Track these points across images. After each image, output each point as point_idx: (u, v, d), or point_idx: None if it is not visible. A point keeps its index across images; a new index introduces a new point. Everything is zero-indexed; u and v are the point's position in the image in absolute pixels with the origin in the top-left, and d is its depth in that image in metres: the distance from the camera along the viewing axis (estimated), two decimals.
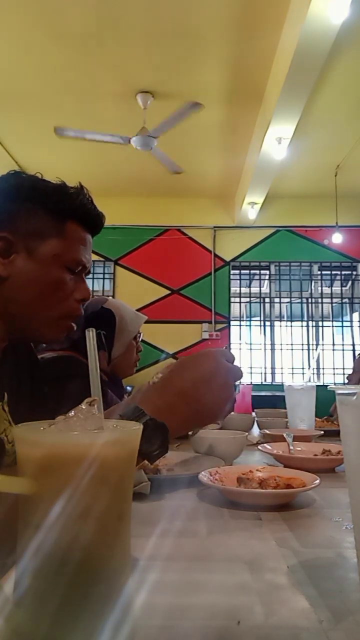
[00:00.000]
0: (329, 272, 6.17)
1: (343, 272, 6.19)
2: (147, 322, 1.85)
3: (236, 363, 0.79)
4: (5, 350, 0.89)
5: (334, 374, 5.95)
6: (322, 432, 1.48)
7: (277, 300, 6.20)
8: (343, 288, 6.30)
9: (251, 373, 5.99)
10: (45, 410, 0.91)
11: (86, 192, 0.89)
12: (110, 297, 1.79)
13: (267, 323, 6.22)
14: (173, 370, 0.76)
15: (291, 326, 6.24)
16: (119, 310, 1.71)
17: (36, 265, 0.83)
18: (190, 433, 0.83)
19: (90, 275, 5.26)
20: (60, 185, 0.88)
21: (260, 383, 5.90)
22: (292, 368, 6.02)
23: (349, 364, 5.84)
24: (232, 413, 2.28)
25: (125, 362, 1.75)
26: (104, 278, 6.00)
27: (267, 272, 6.20)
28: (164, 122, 3.91)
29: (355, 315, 6.20)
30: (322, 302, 6.19)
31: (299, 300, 6.26)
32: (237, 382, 0.78)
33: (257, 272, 6.28)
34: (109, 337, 1.68)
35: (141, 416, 0.64)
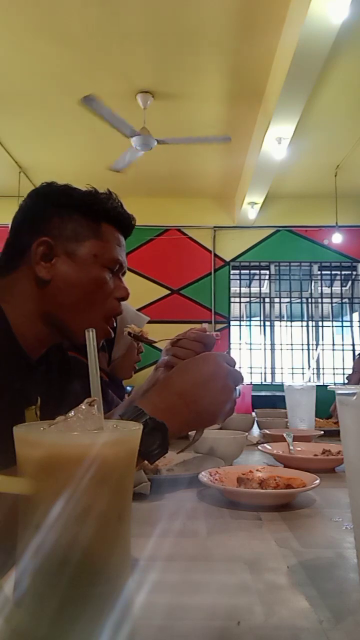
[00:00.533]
0: (329, 272, 6.17)
1: (343, 272, 6.19)
2: (147, 322, 1.84)
3: (237, 366, 0.80)
4: (41, 355, 0.91)
5: (334, 374, 5.95)
6: (322, 432, 1.48)
7: (277, 300, 6.19)
8: (343, 288, 6.30)
9: (251, 373, 5.99)
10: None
11: (115, 197, 0.93)
12: None
13: (267, 323, 6.22)
14: (174, 372, 0.77)
15: (291, 326, 6.23)
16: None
17: (77, 266, 0.86)
18: (190, 433, 0.83)
19: None
20: (91, 190, 0.92)
21: (260, 383, 5.89)
22: (292, 368, 6.02)
23: (349, 364, 5.84)
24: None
25: (125, 363, 1.75)
26: None
27: (267, 272, 6.20)
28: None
29: (355, 315, 6.20)
30: (322, 302, 6.19)
31: (299, 300, 6.26)
32: (237, 386, 0.79)
33: (257, 272, 6.28)
34: (109, 337, 1.68)
35: (140, 416, 0.65)
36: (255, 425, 1.85)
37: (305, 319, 6.25)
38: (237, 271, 6.13)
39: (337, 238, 5.44)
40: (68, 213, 0.88)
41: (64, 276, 0.85)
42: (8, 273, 0.88)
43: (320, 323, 6.18)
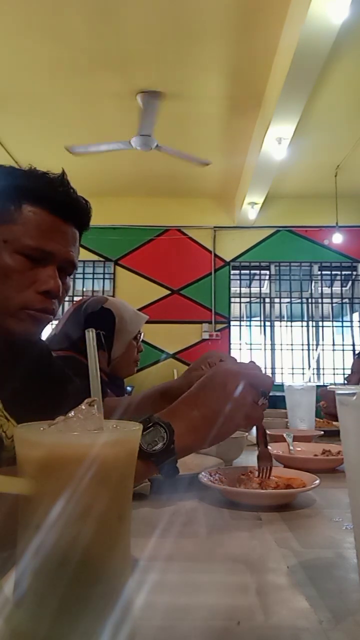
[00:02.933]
0: (329, 272, 6.17)
1: (343, 272, 6.19)
2: (147, 322, 1.84)
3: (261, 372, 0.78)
4: (3, 347, 0.87)
5: (334, 374, 5.95)
6: (322, 432, 1.48)
7: (277, 300, 6.19)
8: (343, 288, 6.30)
9: None
10: (50, 407, 0.89)
11: (63, 178, 0.84)
12: (111, 297, 1.78)
13: (267, 323, 6.22)
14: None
15: (291, 326, 6.23)
16: (119, 310, 1.70)
17: None
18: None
19: (90, 275, 5.25)
20: (21, 170, 0.83)
21: None
22: (292, 368, 6.02)
23: (349, 364, 5.84)
24: None
25: (125, 362, 1.75)
26: (104, 278, 5.99)
27: (267, 272, 6.20)
28: (143, 120, 3.91)
29: (355, 315, 6.20)
30: (322, 302, 6.19)
31: (299, 301, 6.26)
32: (261, 389, 0.74)
33: (257, 272, 6.27)
34: (108, 337, 1.68)
35: (146, 419, 0.64)
36: None
37: (306, 319, 6.25)
38: (237, 271, 6.13)
39: (337, 238, 5.44)
40: None
41: None
42: None
43: (320, 323, 6.18)
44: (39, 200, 0.80)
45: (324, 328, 6.17)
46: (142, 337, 1.80)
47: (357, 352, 5.77)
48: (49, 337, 1.69)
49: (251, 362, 0.83)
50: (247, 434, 1.26)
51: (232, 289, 6.09)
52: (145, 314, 1.84)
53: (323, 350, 5.98)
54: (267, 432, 1.47)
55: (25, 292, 0.79)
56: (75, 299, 6.01)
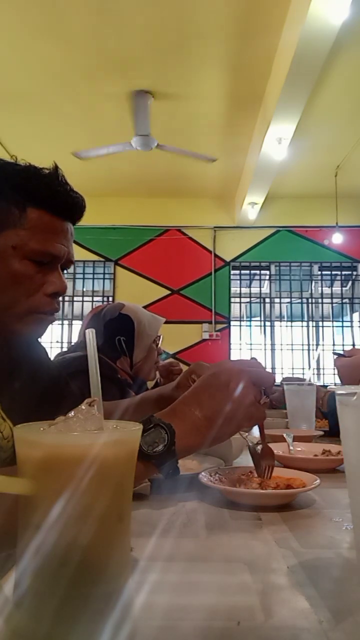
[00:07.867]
0: (329, 272, 6.17)
1: (343, 272, 6.19)
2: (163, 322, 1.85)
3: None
4: (4, 349, 0.87)
5: (334, 374, 5.93)
6: (322, 433, 1.48)
7: (277, 300, 6.19)
8: (343, 288, 6.30)
9: None
10: (48, 409, 0.89)
11: (59, 174, 0.81)
12: (126, 302, 1.81)
13: (267, 323, 6.22)
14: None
15: (291, 326, 6.23)
16: (137, 315, 1.74)
17: None
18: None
19: (90, 275, 5.23)
20: (20, 168, 0.80)
21: None
22: (292, 368, 6.02)
23: None
24: None
25: (147, 366, 1.78)
26: (104, 278, 5.99)
27: (267, 272, 6.19)
28: (137, 120, 3.90)
29: (356, 315, 6.19)
30: (322, 303, 6.19)
31: (299, 301, 6.26)
32: (262, 387, 0.74)
33: (257, 272, 6.27)
34: (129, 342, 1.71)
35: (146, 420, 0.64)
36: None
37: (306, 319, 6.25)
38: (238, 271, 6.13)
39: (337, 238, 5.44)
40: None
41: None
42: None
43: (320, 323, 6.18)
44: (42, 202, 0.78)
45: (324, 328, 6.17)
46: (161, 340, 1.83)
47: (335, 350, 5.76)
48: (75, 345, 1.73)
49: (253, 358, 0.83)
50: (247, 434, 1.26)
51: (232, 289, 6.09)
52: (162, 316, 1.85)
53: (323, 350, 5.98)
54: (267, 432, 1.47)
55: (34, 296, 0.79)
56: (76, 299, 6.02)
